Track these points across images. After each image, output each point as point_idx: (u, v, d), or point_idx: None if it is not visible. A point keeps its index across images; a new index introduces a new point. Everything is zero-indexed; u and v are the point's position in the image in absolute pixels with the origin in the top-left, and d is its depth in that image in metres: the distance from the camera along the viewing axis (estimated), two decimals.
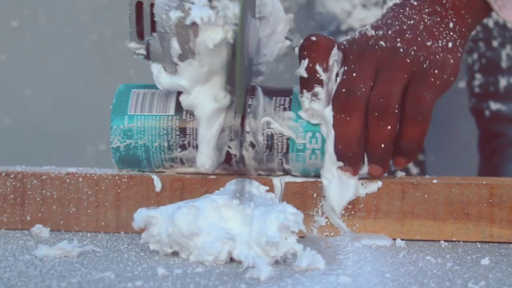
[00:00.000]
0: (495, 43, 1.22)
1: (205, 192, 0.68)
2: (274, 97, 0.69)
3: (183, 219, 0.59)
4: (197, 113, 0.67)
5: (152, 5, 0.67)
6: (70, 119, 1.56)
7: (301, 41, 0.68)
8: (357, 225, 0.68)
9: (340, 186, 0.67)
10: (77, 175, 0.70)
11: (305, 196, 0.69)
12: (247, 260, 0.57)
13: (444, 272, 0.57)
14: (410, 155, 0.69)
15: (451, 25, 0.69)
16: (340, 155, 0.66)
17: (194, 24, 0.64)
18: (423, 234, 0.68)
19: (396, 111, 0.66)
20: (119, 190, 0.70)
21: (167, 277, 0.54)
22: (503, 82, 1.23)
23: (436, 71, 0.67)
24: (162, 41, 0.66)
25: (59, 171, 0.71)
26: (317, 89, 0.67)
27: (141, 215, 0.61)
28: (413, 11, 0.69)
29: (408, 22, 0.69)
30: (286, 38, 0.73)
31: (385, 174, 0.70)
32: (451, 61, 0.69)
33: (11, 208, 0.71)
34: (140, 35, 0.69)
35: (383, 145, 0.67)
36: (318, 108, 0.67)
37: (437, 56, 0.68)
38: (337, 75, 0.68)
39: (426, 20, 0.69)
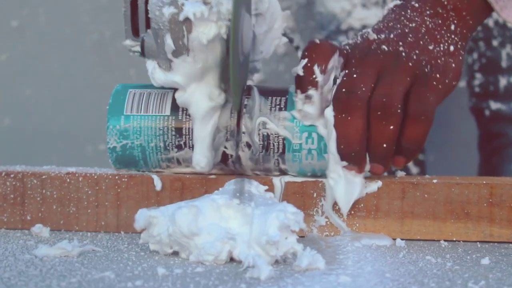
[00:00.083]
0: (495, 43, 1.22)
1: (205, 192, 0.68)
2: (270, 97, 0.69)
3: (184, 219, 0.59)
4: (191, 111, 0.67)
5: (146, 1, 0.67)
6: (70, 119, 1.56)
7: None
8: (357, 224, 0.68)
9: (347, 185, 0.67)
10: (77, 175, 0.70)
11: (305, 195, 0.69)
12: (247, 259, 0.57)
13: (444, 272, 0.57)
14: (410, 155, 0.68)
15: (452, 27, 0.69)
16: (343, 155, 0.66)
17: (187, 20, 0.64)
18: (423, 234, 0.68)
19: (399, 111, 0.66)
20: (119, 190, 0.70)
21: (167, 277, 0.54)
22: (503, 81, 1.23)
23: (438, 75, 0.67)
24: (156, 38, 0.65)
25: (59, 170, 0.71)
26: (311, 91, 0.67)
27: (142, 216, 0.61)
28: (415, 13, 0.69)
29: (410, 25, 0.69)
30: (286, 37, 0.73)
31: (385, 173, 0.70)
32: (453, 65, 0.68)
33: (11, 207, 0.71)
34: (135, 32, 0.69)
35: (385, 145, 0.67)
36: (310, 111, 0.67)
37: (439, 61, 0.68)
38: (335, 81, 0.67)
39: (427, 22, 0.69)
